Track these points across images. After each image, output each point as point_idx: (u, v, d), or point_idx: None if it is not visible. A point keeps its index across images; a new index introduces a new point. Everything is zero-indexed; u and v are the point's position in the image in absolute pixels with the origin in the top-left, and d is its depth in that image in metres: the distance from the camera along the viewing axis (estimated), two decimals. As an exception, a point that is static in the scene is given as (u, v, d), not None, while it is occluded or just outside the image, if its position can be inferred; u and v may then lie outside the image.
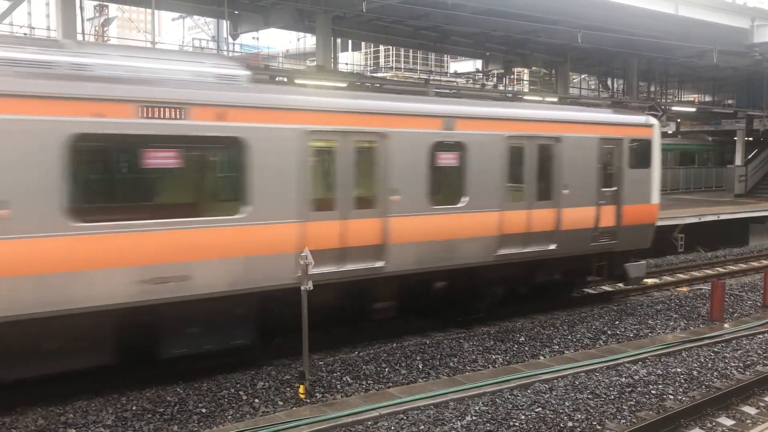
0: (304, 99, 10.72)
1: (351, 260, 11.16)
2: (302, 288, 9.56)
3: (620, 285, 17.63)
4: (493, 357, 11.73)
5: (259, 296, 10.42)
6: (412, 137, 11.71)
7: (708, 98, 42.42)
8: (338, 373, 10.62)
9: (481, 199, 12.64)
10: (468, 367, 11.19)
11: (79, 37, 17.34)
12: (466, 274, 12.94)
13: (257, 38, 48.62)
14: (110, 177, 9.32)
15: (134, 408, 9.12)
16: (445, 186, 12.47)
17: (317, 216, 10.72)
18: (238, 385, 9.99)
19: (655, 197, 15.88)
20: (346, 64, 41.56)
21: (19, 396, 9.27)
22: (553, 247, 13.88)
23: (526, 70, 38.77)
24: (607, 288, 18.26)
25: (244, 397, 9.61)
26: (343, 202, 11.05)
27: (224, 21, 26.19)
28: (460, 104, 12.93)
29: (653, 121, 15.87)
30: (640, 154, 15.44)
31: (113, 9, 34.25)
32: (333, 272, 10.99)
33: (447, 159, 12.23)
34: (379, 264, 11.48)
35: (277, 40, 52.89)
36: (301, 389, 9.70)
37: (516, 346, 12.39)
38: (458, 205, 12.38)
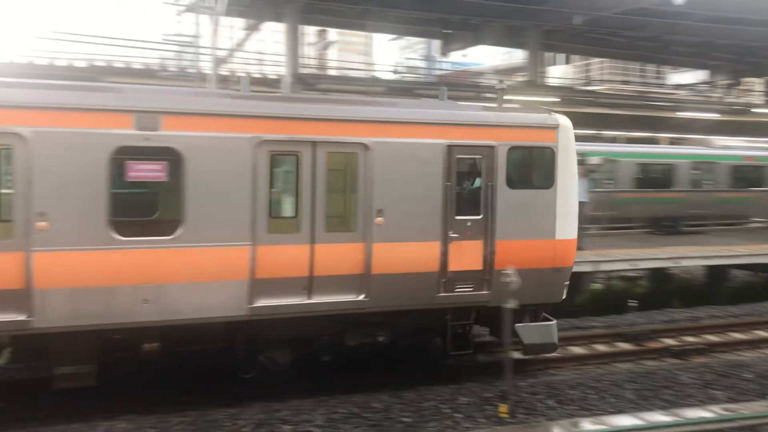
0: None
1: None
2: (505, 306, 9.52)
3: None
4: (713, 392, 10.79)
5: None
6: (72, 139, 8.61)
7: None
8: (541, 396, 10.37)
9: (212, 228, 9.31)
10: (684, 402, 10.40)
11: (301, 60, 18.77)
12: (200, 333, 9.70)
13: (465, 55, 49.44)
14: None
15: (343, 411, 9.57)
16: (146, 209, 9.80)
17: None
18: (440, 398, 10.12)
19: (567, 230, 11.17)
20: (556, 78, 40.77)
21: (246, 390, 10.26)
22: (362, 297, 10.07)
23: (758, 80, 35.35)
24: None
25: (446, 411, 9.71)
26: None
27: (435, 40, 26.95)
28: (173, 94, 9.89)
29: (559, 120, 11.18)
30: (534, 167, 11.21)
31: (333, 33, 36.68)
32: None
33: (147, 171, 9.15)
34: (20, 317, 8.46)
35: (484, 57, 53.20)
36: (503, 408, 9.61)
37: (742, 382, 11.28)
38: (169, 237, 9.12)
